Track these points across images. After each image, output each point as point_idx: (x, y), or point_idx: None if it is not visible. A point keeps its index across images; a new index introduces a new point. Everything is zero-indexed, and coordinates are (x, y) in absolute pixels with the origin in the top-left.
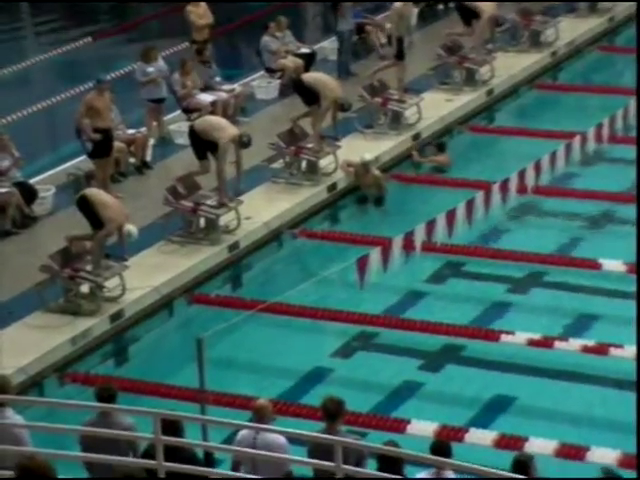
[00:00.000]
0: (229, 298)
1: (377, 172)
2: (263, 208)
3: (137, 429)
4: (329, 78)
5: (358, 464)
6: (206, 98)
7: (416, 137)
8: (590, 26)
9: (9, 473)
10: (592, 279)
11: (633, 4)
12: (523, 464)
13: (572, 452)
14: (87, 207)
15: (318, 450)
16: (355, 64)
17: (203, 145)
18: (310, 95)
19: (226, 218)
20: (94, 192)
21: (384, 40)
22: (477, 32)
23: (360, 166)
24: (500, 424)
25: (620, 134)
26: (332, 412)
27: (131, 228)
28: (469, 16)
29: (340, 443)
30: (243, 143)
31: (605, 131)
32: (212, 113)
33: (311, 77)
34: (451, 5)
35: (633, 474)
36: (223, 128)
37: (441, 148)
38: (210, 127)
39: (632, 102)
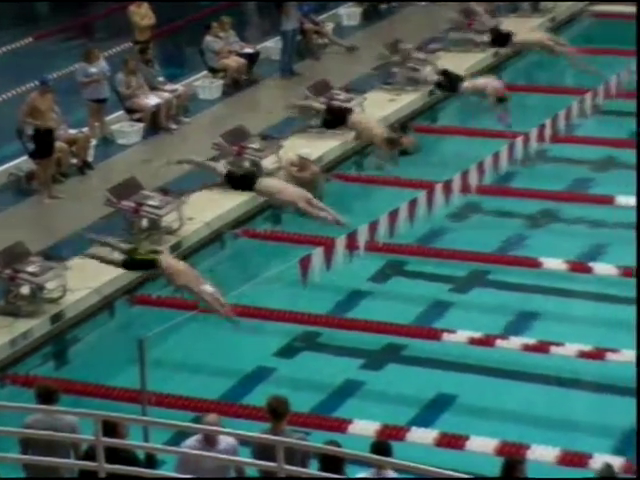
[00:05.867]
0: (171, 299)
1: (316, 168)
2: (206, 208)
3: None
4: None
5: (304, 463)
6: (150, 101)
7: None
8: (532, 26)
9: None
10: (533, 277)
11: (575, 4)
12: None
13: (513, 450)
14: None
15: (263, 450)
16: (298, 64)
17: None
18: None
19: (168, 218)
20: None
21: (320, 41)
22: None
23: (301, 162)
24: (441, 423)
25: (562, 134)
26: (277, 411)
27: None
28: None
29: (282, 443)
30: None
31: (547, 131)
32: (155, 115)
33: None
34: (394, 5)
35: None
36: None
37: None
38: None
39: (574, 102)
